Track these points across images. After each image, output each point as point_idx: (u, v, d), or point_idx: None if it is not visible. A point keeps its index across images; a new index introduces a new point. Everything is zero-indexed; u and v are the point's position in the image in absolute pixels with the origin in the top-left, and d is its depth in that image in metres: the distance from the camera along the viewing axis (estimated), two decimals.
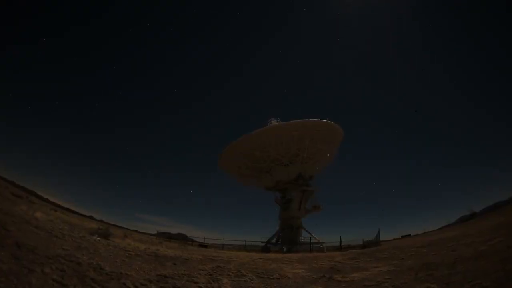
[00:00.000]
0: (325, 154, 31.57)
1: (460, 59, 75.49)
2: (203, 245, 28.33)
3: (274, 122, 30.54)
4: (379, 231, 23.48)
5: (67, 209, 35.30)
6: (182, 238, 35.44)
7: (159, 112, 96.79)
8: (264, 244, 30.32)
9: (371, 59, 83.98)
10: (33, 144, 78.20)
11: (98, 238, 10.18)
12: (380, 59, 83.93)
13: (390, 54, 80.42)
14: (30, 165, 74.17)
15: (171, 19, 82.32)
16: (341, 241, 25.20)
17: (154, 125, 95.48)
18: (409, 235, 27.65)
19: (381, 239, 23.01)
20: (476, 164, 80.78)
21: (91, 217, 39.98)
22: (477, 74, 76.00)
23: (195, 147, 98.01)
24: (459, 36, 71.48)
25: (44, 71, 75.18)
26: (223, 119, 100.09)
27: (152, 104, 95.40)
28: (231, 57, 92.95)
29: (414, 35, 74.68)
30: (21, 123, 71.58)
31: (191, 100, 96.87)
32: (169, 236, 33.33)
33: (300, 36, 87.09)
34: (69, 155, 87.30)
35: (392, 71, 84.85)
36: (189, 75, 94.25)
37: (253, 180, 34.68)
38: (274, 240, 31.78)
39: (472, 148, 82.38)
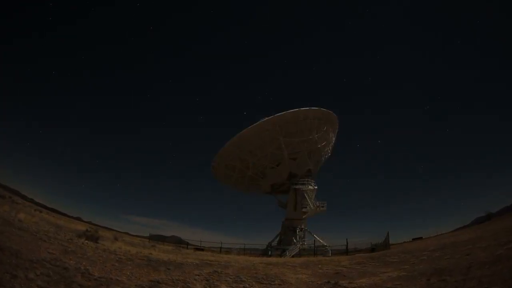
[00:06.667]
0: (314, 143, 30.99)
1: (478, 56, 75.54)
2: (200, 249, 28.55)
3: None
4: (388, 234, 23.58)
5: (53, 210, 35.60)
6: (176, 241, 35.68)
7: (155, 111, 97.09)
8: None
9: (383, 56, 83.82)
10: (17, 141, 78.45)
11: (86, 241, 10.22)
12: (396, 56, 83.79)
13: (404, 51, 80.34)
14: (13, 163, 74.41)
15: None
16: (347, 245, 25.33)
17: (152, 124, 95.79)
18: (421, 238, 27.77)
19: (390, 242, 23.09)
20: (491, 163, 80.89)
21: (78, 219, 40.33)
22: (490, 73, 76.09)
23: (191, 147, 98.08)
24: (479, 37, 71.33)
25: (36, 68, 76.27)
26: (221, 117, 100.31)
27: (147, 103, 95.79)
28: (226, 58, 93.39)
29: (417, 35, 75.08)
30: (5, 119, 72.16)
31: (185, 99, 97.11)
32: (162, 239, 33.55)
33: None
34: (56, 153, 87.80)
35: (406, 69, 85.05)
36: (186, 76, 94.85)
37: (252, 186, 34.77)
38: (275, 243, 31.98)
39: (488, 147, 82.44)
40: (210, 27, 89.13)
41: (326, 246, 29.06)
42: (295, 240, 29.10)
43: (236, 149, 30.77)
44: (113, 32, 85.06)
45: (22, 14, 66.95)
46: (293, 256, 24.42)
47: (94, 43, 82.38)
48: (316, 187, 31.68)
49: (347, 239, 25.71)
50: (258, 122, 29.28)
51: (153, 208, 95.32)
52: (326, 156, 34.31)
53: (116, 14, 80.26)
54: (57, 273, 4.76)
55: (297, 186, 30.73)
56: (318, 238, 30.22)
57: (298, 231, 30.46)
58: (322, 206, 31.14)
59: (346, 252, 24.39)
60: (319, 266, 11.18)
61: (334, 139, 33.99)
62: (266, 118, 28.89)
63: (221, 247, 29.76)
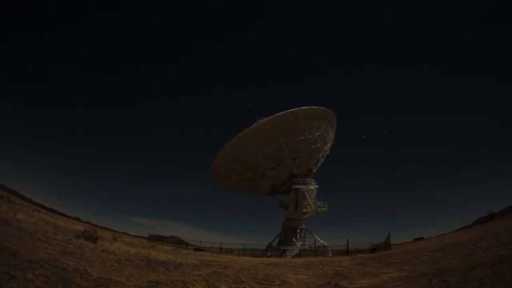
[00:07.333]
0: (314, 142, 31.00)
1: (478, 56, 75.55)
2: (199, 249, 28.60)
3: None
4: (389, 234, 23.59)
5: (51, 210, 35.60)
6: (176, 241, 35.74)
7: (155, 111, 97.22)
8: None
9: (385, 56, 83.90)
10: (17, 141, 78.62)
11: (85, 241, 10.23)
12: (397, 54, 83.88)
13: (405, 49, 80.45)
14: (13, 163, 74.55)
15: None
16: (348, 245, 25.33)
17: (152, 125, 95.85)
18: (422, 238, 27.79)
19: (391, 243, 23.11)
20: (493, 162, 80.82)
21: (77, 219, 40.36)
22: (491, 72, 76.15)
23: (192, 147, 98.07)
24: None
25: (36, 68, 76.68)
26: (220, 116, 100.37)
27: (147, 103, 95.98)
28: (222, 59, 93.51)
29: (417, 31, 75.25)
30: (5, 119, 72.40)
31: (185, 99, 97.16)
32: (161, 239, 33.60)
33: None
34: (55, 153, 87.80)
35: (406, 69, 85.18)
36: (186, 76, 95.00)
37: (252, 187, 34.89)
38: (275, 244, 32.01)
39: (489, 146, 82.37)
40: (210, 27, 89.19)
41: (326, 246, 29.09)
42: (295, 240, 29.14)
43: (235, 151, 30.71)
44: (113, 32, 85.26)
45: (22, 14, 67.40)
46: (293, 257, 24.46)
47: (94, 43, 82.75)
48: (317, 186, 31.72)
49: (347, 239, 25.72)
50: (257, 123, 29.31)
51: (153, 208, 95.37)
52: (325, 155, 34.44)
53: (116, 14, 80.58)
54: (56, 274, 4.77)
55: (298, 186, 30.74)
56: (318, 238, 30.26)
57: (299, 231, 30.51)
58: (323, 206, 31.14)
59: (346, 252, 24.39)
60: (320, 266, 11.19)
61: (333, 137, 34.23)
62: (266, 119, 28.94)
63: (220, 247, 29.80)
